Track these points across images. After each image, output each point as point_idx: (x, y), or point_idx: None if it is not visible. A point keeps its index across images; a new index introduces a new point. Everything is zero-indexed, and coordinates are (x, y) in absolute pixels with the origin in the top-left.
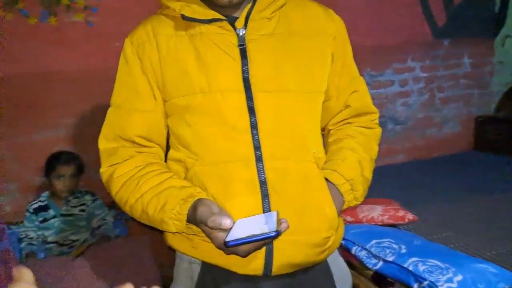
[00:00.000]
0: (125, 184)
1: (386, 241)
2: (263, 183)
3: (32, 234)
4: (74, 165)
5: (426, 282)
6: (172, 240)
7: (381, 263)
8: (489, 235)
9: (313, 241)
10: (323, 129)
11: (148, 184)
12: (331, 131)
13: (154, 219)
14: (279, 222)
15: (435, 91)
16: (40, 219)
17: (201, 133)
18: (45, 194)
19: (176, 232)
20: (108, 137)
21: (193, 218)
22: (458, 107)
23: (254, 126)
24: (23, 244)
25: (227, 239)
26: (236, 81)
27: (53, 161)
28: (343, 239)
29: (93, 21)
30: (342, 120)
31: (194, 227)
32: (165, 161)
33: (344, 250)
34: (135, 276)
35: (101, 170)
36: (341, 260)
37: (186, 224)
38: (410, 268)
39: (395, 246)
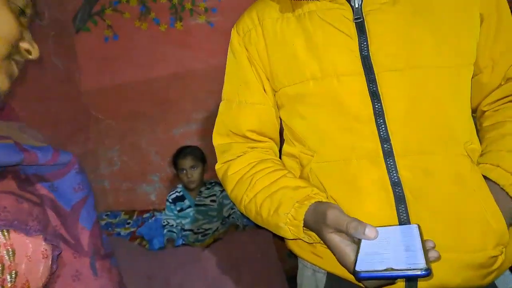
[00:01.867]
0: (239, 183)
1: None
2: (396, 185)
3: (172, 222)
4: (192, 158)
5: None
6: (293, 245)
7: None
8: None
9: (475, 261)
10: (474, 111)
11: (261, 184)
12: (486, 113)
13: (268, 222)
14: (425, 247)
15: None
16: (178, 208)
17: (316, 125)
18: (180, 185)
19: (294, 239)
20: (220, 132)
21: (311, 223)
22: None
23: (379, 114)
24: (165, 231)
25: (358, 267)
26: (353, 62)
27: (176, 157)
28: None
29: (214, 21)
30: (501, 98)
31: (314, 234)
32: (280, 156)
33: None
34: (256, 271)
35: (216, 167)
36: None
37: (304, 231)
38: None
39: None
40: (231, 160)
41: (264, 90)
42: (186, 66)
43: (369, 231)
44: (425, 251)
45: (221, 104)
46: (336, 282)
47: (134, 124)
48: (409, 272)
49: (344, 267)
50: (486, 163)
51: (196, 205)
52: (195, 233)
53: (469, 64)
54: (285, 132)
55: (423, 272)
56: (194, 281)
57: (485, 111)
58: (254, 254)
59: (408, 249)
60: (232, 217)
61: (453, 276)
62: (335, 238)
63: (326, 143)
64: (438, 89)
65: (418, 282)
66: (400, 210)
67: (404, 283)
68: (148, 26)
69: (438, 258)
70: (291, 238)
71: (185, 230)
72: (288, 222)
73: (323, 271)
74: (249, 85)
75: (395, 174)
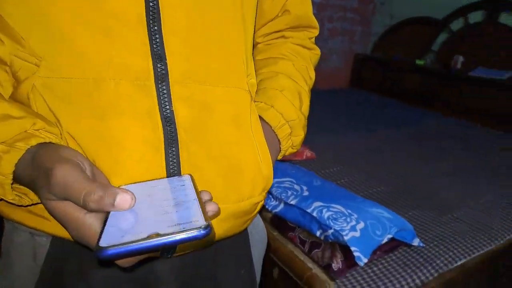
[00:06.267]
0: None
1: (287, 181)
2: (168, 121)
3: None
4: None
5: (331, 231)
6: None
7: (282, 205)
8: (370, 172)
9: (240, 209)
10: None
11: None
12: (259, 46)
13: None
14: (201, 199)
15: (325, 20)
16: None
17: (50, 14)
18: None
19: None
20: None
21: (27, 180)
22: (343, 42)
23: (154, 18)
24: None
25: (102, 241)
26: None
27: None
28: None
29: None
30: (276, 32)
31: (31, 193)
32: None
33: None
34: None
35: None
36: (259, 219)
37: (15, 188)
38: (315, 214)
39: (296, 187)
40: None
41: None
42: None
43: (121, 200)
44: (202, 205)
45: None
46: (67, 247)
47: None
48: (183, 236)
49: (83, 243)
50: (261, 102)
51: None
52: None
53: None
54: None
55: (202, 232)
56: None
57: (258, 43)
58: None
59: (180, 205)
60: None
61: (216, 228)
62: (65, 207)
63: (64, 46)
64: (228, 1)
65: None
66: (170, 154)
67: None
68: None
69: (218, 212)
70: None
71: None
72: None
73: (46, 234)
74: None
75: (168, 107)
